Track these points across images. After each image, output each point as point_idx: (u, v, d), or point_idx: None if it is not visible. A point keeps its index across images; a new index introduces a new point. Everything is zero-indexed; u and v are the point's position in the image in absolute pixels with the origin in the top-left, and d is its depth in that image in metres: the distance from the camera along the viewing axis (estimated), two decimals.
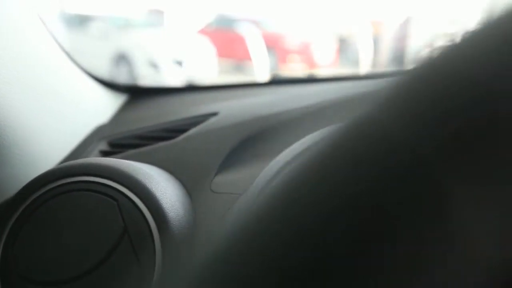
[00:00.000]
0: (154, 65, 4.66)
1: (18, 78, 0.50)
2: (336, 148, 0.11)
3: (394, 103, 0.11)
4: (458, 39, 0.11)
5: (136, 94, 0.68)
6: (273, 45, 5.85)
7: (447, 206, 0.10)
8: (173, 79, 4.56)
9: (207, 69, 5.06)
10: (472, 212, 0.10)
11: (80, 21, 5.27)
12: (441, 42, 0.11)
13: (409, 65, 0.11)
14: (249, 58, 5.49)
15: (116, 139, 0.51)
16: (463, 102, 0.10)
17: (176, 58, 4.79)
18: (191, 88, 0.70)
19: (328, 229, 0.10)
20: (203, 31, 6.19)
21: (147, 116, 0.58)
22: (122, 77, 4.58)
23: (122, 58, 4.75)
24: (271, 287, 0.10)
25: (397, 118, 0.11)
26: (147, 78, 4.53)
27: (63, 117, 0.54)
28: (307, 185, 0.11)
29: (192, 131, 0.47)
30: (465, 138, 0.10)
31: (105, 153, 0.49)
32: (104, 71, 4.52)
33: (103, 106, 0.63)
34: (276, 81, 0.67)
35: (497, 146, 0.10)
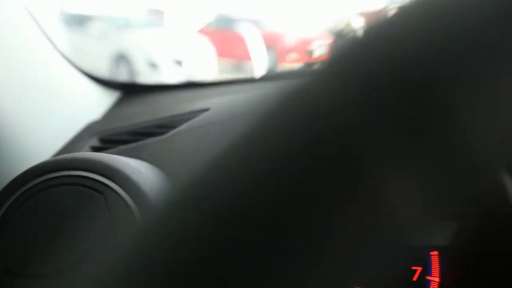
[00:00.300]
0: (153, 65, 4.66)
1: (10, 74, 0.50)
2: (269, 113, 0.12)
3: (326, 73, 0.11)
4: (386, 16, 0.11)
5: (129, 91, 0.68)
6: (273, 44, 5.85)
7: (368, 168, 0.10)
8: (173, 79, 4.57)
9: (207, 69, 5.06)
10: (391, 174, 0.10)
11: (80, 21, 5.27)
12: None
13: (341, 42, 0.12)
14: (249, 58, 5.49)
15: (107, 135, 0.51)
16: (385, 72, 0.10)
17: (176, 58, 4.80)
18: (185, 85, 0.70)
19: (256, 189, 0.11)
20: (203, 31, 6.20)
21: (140, 112, 0.58)
22: (122, 77, 4.59)
23: (122, 58, 4.76)
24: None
25: (328, 84, 0.11)
26: (146, 78, 4.54)
27: (55, 114, 0.54)
28: (238, 150, 0.12)
29: (182, 127, 0.47)
30: (385, 106, 0.10)
31: (95, 149, 0.49)
32: (104, 71, 4.53)
33: (96, 103, 0.63)
34: (270, 77, 0.67)
35: (413, 113, 0.10)
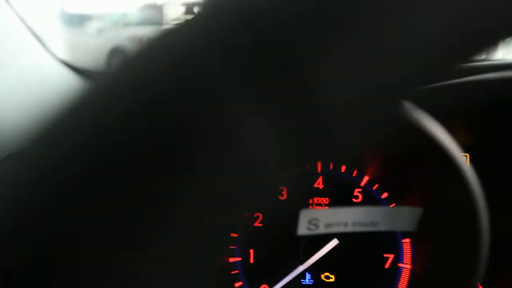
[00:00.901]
0: None
1: None
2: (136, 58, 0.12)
3: (193, 21, 0.12)
4: None
5: None
6: None
7: (233, 119, 0.10)
8: None
9: None
10: (254, 126, 0.10)
11: (77, 20, 5.27)
12: None
13: None
14: None
15: None
16: (238, 21, 0.11)
17: None
18: None
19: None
20: None
21: None
22: None
23: (117, 52, 4.75)
24: None
25: (194, 33, 0.12)
26: None
27: (37, 106, 0.55)
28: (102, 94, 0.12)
29: None
30: (244, 57, 0.10)
31: None
32: (100, 66, 4.51)
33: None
34: None
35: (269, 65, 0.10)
